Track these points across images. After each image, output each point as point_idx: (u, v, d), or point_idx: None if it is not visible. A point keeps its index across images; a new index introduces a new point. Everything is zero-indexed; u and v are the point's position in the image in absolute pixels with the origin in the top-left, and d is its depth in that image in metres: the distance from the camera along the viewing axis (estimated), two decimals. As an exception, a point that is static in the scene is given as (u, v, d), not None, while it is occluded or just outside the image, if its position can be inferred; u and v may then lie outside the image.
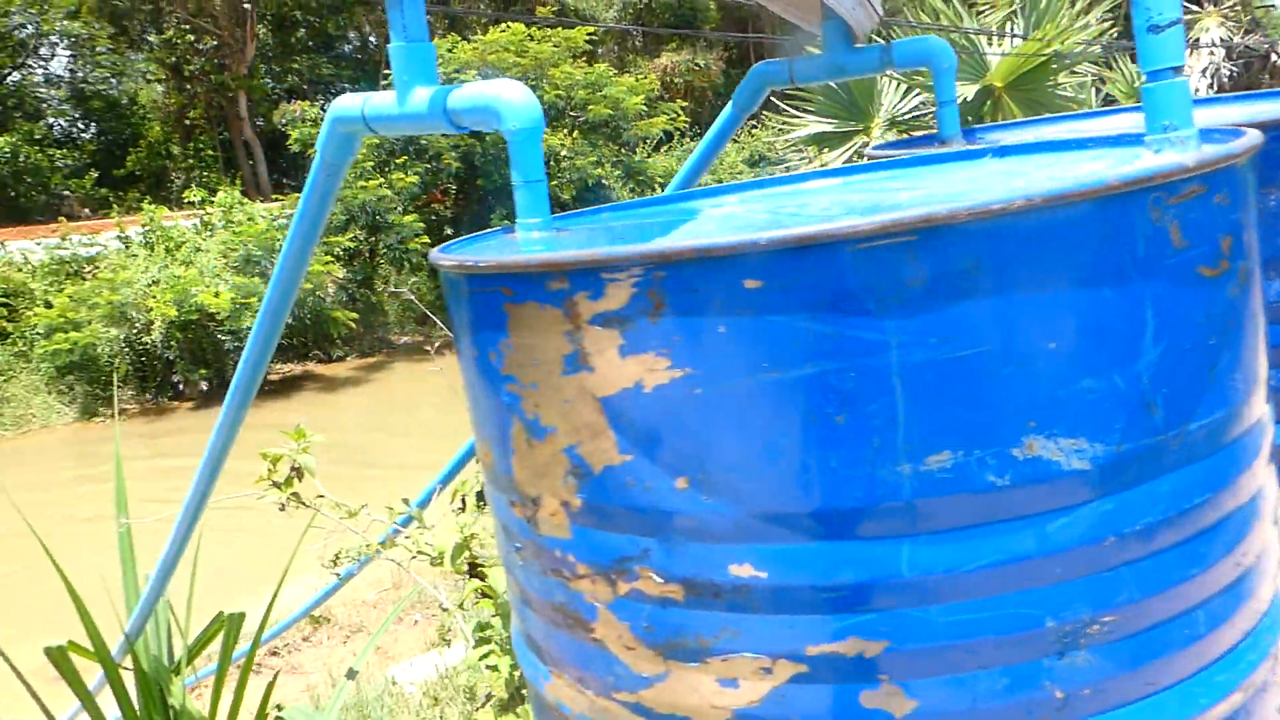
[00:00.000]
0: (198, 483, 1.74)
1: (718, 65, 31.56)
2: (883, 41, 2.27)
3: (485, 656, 1.77)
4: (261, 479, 2.05)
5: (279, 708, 2.56)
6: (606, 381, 0.81)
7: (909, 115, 8.03)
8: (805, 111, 8.42)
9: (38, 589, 9.15)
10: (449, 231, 21.10)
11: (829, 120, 8.17)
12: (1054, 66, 7.61)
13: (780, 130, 8.92)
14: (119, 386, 17.05)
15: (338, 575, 2.62)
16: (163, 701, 2.66)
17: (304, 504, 2.05)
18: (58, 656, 2.31)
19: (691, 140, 30.86)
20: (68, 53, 35.30)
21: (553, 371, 0.82)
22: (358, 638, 7.02)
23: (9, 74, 32.83)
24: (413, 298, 10.63)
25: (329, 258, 18.31)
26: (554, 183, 20.79)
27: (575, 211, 1.16)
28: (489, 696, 1.77)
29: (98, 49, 34.63)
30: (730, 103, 2.27)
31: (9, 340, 17.22)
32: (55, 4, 31.28)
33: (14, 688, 2.24)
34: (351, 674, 3.20)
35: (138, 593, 2.72)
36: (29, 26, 33.21)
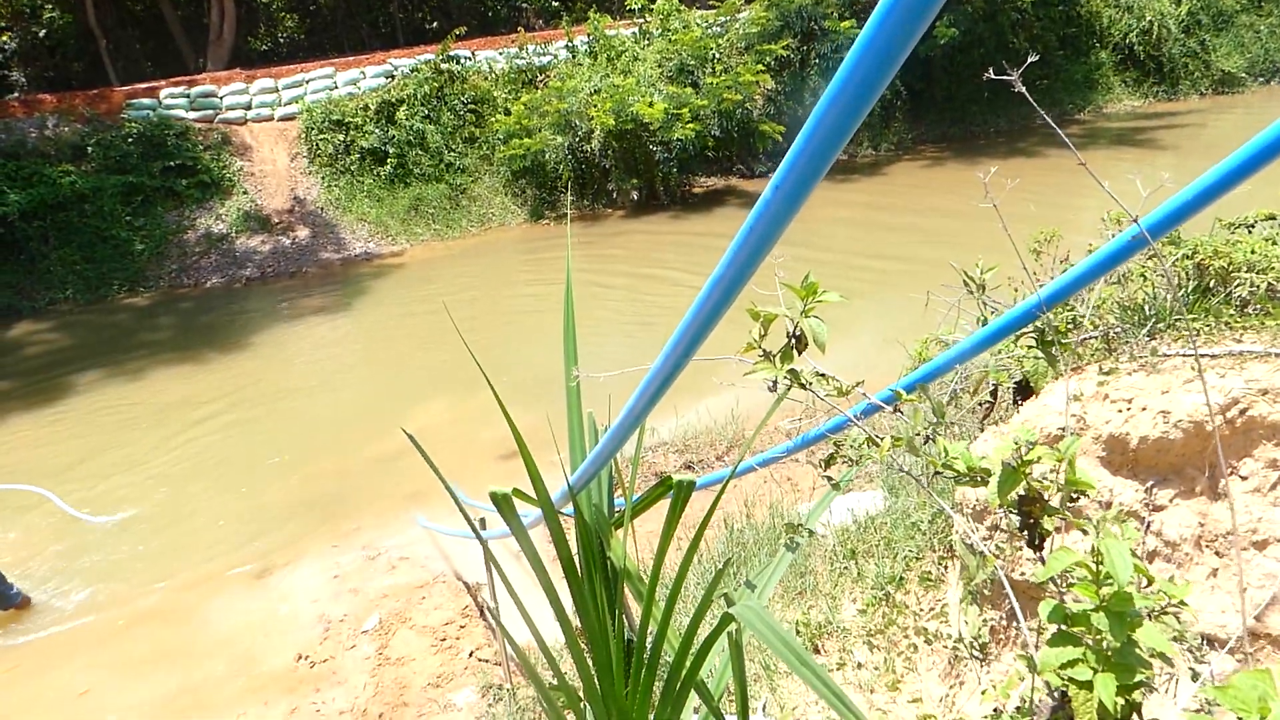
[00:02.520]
0: (681, 334, 1.21)
1: None
2: None
3: (1069, 665, 1.13)
4: (750, 346, 1.49)
5: (725, 598, 2.19)
6: None
7: None
8: None
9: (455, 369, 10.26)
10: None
11: None
12: None
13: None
14: (561, 191, 18.34)
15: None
16: (601, 554, 2.45)
17: (802, 385, 1.47)
18: (501, 501, 2.13)
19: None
20: None
21: None
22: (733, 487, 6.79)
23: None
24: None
25: (760, 67, 17.68)
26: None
27: None
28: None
29: None
30: None
31: (477, 145, 19.11)
32: None
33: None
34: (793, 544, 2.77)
35: (582, 436, 2.47)
36: None
